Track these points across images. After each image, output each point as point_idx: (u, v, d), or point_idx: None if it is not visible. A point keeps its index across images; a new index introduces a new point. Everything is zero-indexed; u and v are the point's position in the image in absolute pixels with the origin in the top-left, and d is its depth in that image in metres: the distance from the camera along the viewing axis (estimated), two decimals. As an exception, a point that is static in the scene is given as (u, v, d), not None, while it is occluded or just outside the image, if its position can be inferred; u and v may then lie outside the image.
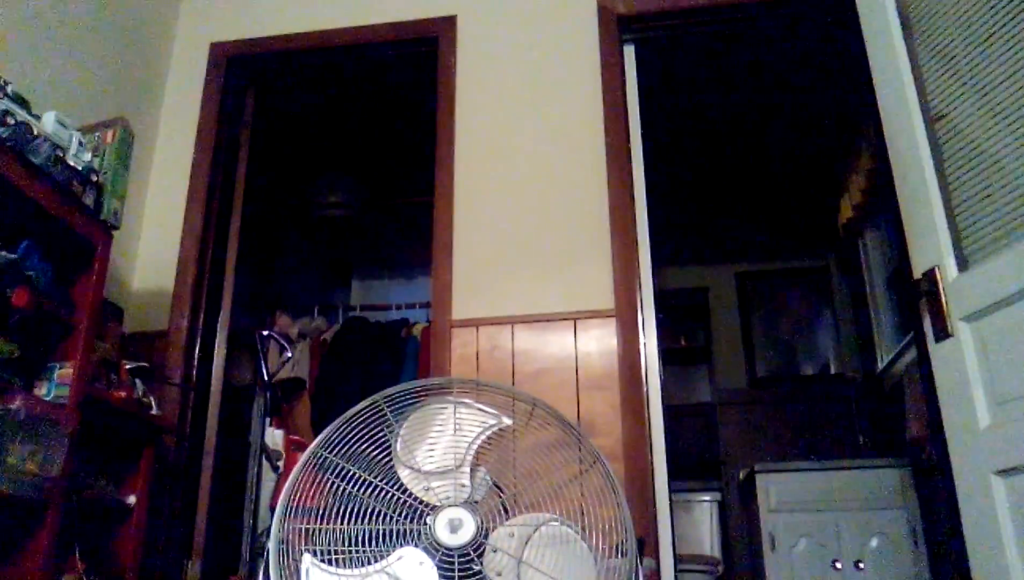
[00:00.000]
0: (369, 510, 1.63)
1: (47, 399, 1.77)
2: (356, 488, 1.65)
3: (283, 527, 1.60)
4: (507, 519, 1.67)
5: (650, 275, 2.56)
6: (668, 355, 4.36)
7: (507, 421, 1.78)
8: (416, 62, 3.03)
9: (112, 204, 2.00)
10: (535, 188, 2.65)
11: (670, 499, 2.34)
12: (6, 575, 1.64)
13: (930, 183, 1.73)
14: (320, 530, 1.61)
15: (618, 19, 2.78)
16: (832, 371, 4.83)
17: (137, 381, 2.29)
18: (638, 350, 2.41)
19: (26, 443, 1.60)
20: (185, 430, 2.58)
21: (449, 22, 2.91)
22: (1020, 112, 1.55)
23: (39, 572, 1.66)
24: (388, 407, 1.75)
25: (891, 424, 3.75)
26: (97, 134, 2.05)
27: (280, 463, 2.68)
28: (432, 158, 2.75)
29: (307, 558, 1.57)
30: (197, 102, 3.00)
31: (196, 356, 2.69)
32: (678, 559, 2.37)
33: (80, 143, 1.89)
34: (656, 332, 2.50)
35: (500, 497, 1.72)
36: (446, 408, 1.78)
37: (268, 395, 3.17)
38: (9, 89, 1.73)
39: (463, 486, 1.68)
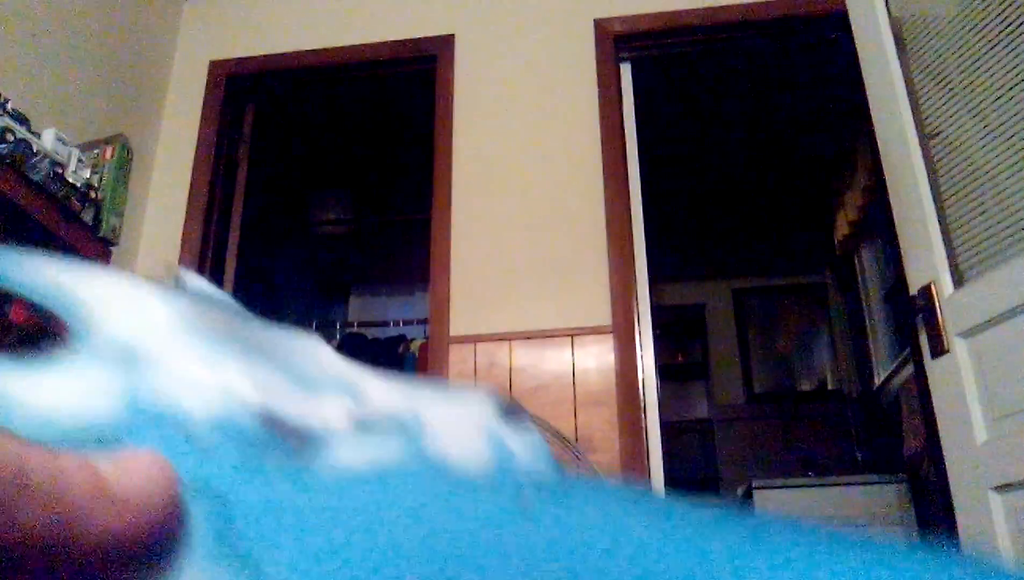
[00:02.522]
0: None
1: (44, 416, 1.77)
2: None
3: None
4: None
5: (647, 291, 2.57)
6: (665, 371, 4.36)
7: (505, 437, 1.78)
8: (414, 80, 3.05)
9: (111, 220, 2.00)
10: (532, 205, 2.66)
11: (668, 516, 2.33)
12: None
13: (925, 200, 1.74)
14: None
15: (615, 38, 2.80)
16: (829, 387, 4.83)
17: (134, 398, 2.29)
18: (635, 366, 2.41)
19: (23, 460, 1.59)
20: (182, 447, 2.57)
21: (447, 40, 2.93)
22: (1014, 129, 1.56)
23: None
24: (386, 423, 1.74)
25: (888, 440, 3.75)
26: (96, 151, 2.06)
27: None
28: (430, 175, 2.76)
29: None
30: (196, 119, 3.01)
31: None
32: (676, 576, 2.35)
33: (79, 160, 1.90)
34: (653, 348, 2.50)
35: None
36: (444, 424, 1.78)
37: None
38: (9, 106, 1.74)
39: (461, 503, 1.68)
